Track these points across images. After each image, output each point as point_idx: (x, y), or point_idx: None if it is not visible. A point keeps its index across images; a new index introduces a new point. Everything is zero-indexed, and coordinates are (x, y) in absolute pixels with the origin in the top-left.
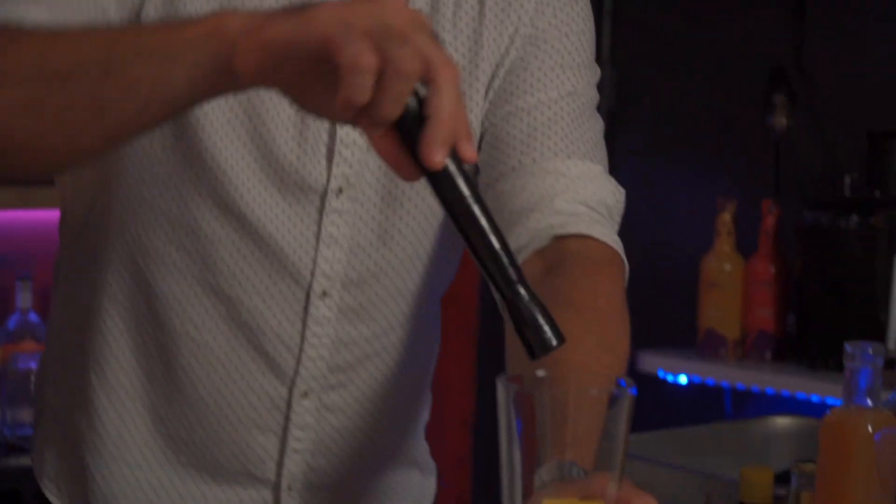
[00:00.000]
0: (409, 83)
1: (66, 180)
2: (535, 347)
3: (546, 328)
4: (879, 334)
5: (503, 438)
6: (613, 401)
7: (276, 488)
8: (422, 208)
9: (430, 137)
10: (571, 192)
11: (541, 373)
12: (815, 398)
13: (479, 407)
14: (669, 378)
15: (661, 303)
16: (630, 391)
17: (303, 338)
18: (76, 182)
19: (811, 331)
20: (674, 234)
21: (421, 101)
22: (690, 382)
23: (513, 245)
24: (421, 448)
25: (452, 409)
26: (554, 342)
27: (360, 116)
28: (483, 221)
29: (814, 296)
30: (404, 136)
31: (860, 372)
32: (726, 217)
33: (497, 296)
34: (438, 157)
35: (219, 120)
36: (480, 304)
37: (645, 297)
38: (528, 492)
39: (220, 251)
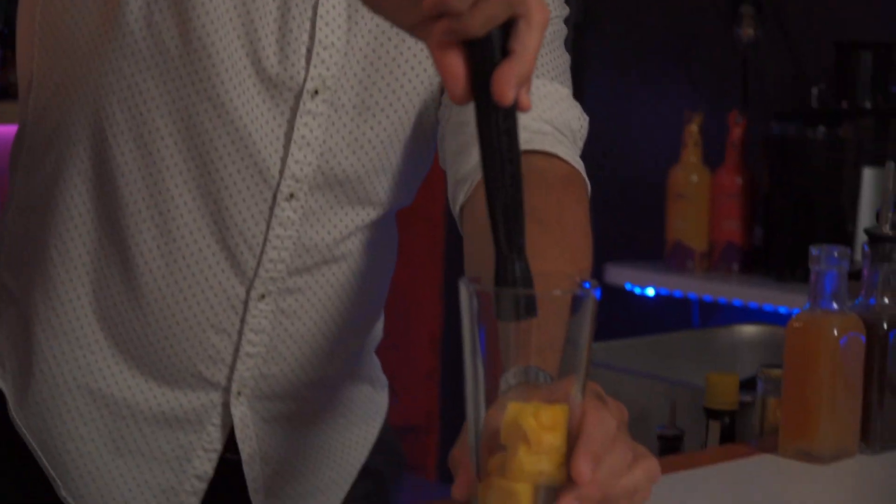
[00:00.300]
0: (508, 9)
1: (40, 53)
2: (503, 312)
3: (522, 301)
4: (846, 246)
5: (466, 341)
6: (577, 303)
7: (226, 392)
8: (393, 120)
9: (510, 71)
10: (538, 110)
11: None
12: (782, 309)
13: (447, 323)
14: (637, 290)
15: (629, 215)
16: (593, 292)
17: (266, 238)
18: (47, 56)
19: (778, 242)
20: (641, 147)
21: (505, 33)
22: (658, 294)
23: (474, 160)
24: (373, 363)
25: (420, 326)
26: (524, 315)
27: (438, 24)
28: (509, 171)
29: (781, 207)
30: (476, 60)
31: (826, 275)
32: (693, 129)
33: (494, 247)
34: (511, 93)
35: (213, 2)
36: (447, 222)
37: (612, 209)
38: (491, 396)
39: (195, 137)
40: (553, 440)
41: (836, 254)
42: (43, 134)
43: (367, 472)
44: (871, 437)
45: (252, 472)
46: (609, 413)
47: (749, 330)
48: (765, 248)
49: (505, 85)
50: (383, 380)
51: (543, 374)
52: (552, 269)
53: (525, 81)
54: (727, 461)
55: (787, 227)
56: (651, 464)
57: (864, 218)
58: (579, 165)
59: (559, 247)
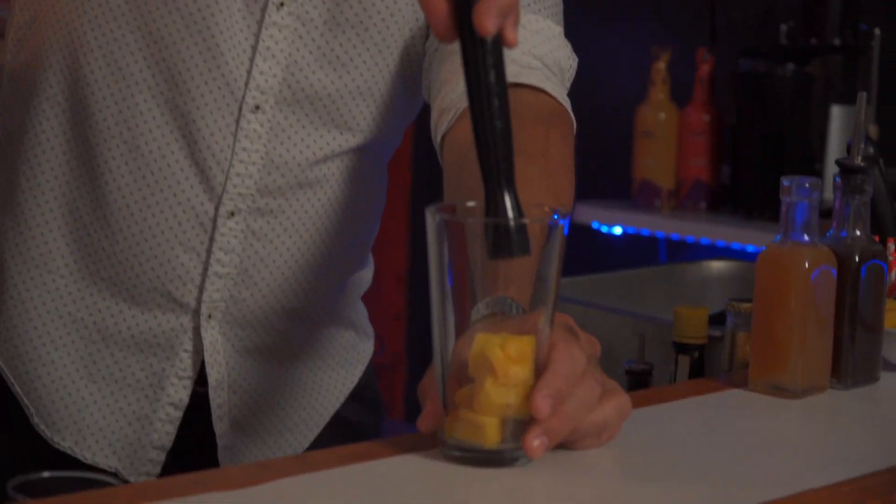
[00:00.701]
0: None
1: None
2: (494, 249)
3: (514, 237)
4: None
5: (433, 272)
6: (548, 233)
7: (196, 315)
8: (366, 42)
9: (491, 2)
10: (529, 45)
11: (472, 203)
12: (750, 248)
13: (414, 263)
14: (604, 229)
15: (595, 154)
16: (562, 223)
17: (233, 152)
18: None
19: (746, 180)
20: (607, 84)
21: None
22: (625, 233)
23: (460, 88)
24: (358, 310)
25: (387, 265)
26: (515, 252)
27: None
28: (496, 104)
29: (749, 145)
30: None
31: (797, 206)
32: (661, 66)
33: (483, 183)
34: (490, 25)
35: None
36: (414, 158)
37: (578, 148)
38: (460, 328)
39: (164, 50)
40: (520, 372)
41: (807, 185)
42: (19, 64)
43: (340, 420)
44: (842, 372)
45: (218, 398)
46: (578, 347)
47: (717, 265)
48: (733, 186)
49: (485, 15)
50: (369, 329)
51: (516, 306)
52: (535, 201)
53: (508, 13)
54: (697, 395)
55: (755, 164)
56: (622, 399)
57: (833, 156)
58: (566, 103)
59: (544, 180)
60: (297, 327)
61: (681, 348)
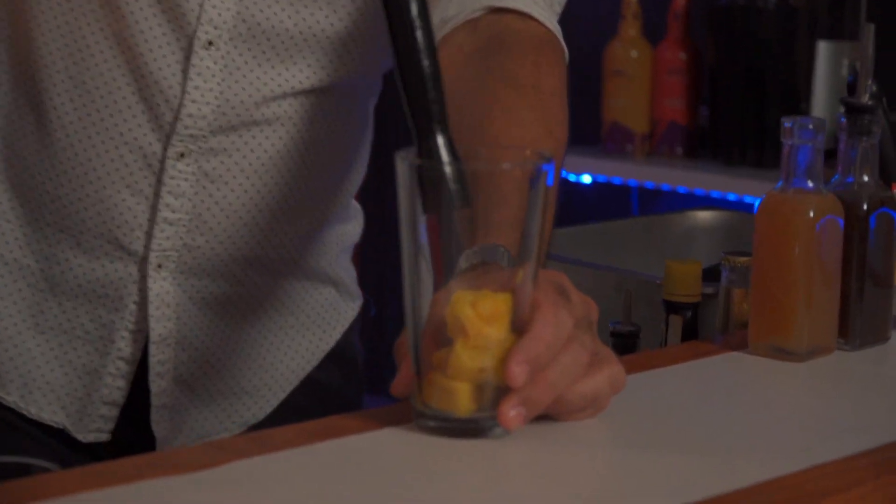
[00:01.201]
0: None
1: None
2: (429, 203)
3: (453, 187)
4: None
5: (404, 222)
6: (533, 179)
7: (144, 263)
8: None
9: None
10: None
11: None
12: (731, 196)
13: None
14: (572, 178)
15: None
16: (547, 167)
17: (184, 90)
18: None
19: (726, 122)
20: (574, 19)
21: None
22: (595, 182)
23: (439, 16)
24: (342, 266)
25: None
26: (454, 204)
27: None
28: (420, 38)
29: (728, 84)
30: None
31: (799, 150)
32: None
33: (413, 132)
34: None
35: None
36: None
37: None
38: (437, 284)
39: None
40: (494, 333)
41: (810, 126)
42: None
43: (314, 383)
44: (850, 332)
45: (160, 353)
46: (566, 309)
47: (703, 216)
48: (711, 128)
49: None
50: (355, 289)
51: (508, 256)
52: (527, 135)
53: None
54: (691, 360)
55: (735, 105)
56: (615, 370)
57: (820, 95)
58: (556, 30)
59: (535, 112)
60: (260, 278)
61: (672, 307)
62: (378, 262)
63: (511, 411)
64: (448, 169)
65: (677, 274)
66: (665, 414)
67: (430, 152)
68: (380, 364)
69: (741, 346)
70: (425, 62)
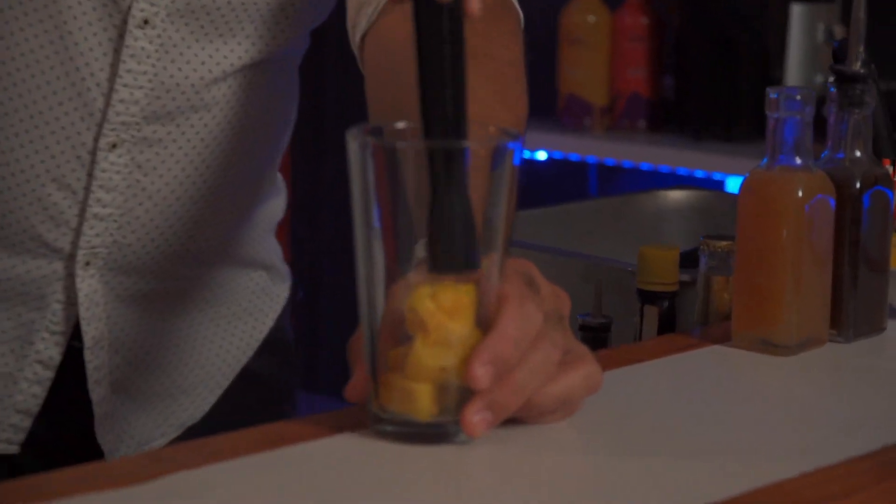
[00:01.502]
0: None
1: None
2: (436, 263)
3: (460, 248)
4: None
5: (357, 208)
6: (497, 157)
7: (71, 261)
8: None
9: None
10: None
11: (404, 124)
12: (699, 174)
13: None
14: (525, 154)
15: None
16: (511, 145)
17: (116, 74)
18: None
19: (693, 94)
20: None
21: None
22: (550, 159)
23: None
24: (269, 246)
25: None
26: (462, 267)
27: None
28: (450, 90)
29: (695, 52)
30: None
31: (786, 123)
32: None
33: (429, 182)
34: None
35: None
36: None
37: None
38: (392, 275)
39: None
40: (457, 328)
41: (798, 97)
42: None
43: (249, 375)
44: (843, 322)
45: (96, 359)
46: (534, 302)
47: (675, 196)
48: (677, 100)
49: None
50: (283, 269)
51: None
52: (484, 114)
53: None
54: (670, 354)
55: (702, 75)
56: (590, 369)
57: (794, 63)
58: None
59: (492, 85)
60: (191, 271)
61: (647, 297)
62: (306, 240)
63: (475, 416)
64: (456, 234)
65: (653, 260)
66: (643, 414)
67: (440, 214)
68: (312, 351)
69: (724, 338)
70: (449, 108)
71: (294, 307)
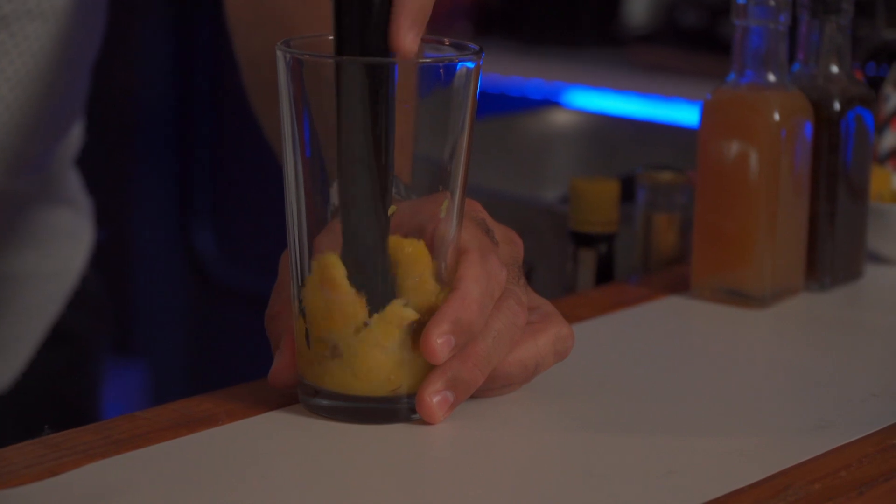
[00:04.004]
0: None
1: None
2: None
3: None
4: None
5: (286, 138)
6: (438, 73)
7: None
8: None
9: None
10: None
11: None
12: (533, 92)
13: None
14: None
15: None
16: (472, 52)
17: None
18: None
19: None
20: None
21: None
22: None
23: None
24: (70, 178)
25: None
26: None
27: None
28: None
29: None
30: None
31: (753, 32)
32: None
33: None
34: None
35: None
36: None
37: None
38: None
39: None
40: (411, 286)
41: (771, 2)
42: None
43: (62, 335)
44: (819, 267)
45: None
46: (495, 255)
47: (560, 119)
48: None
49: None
50: (85, 202)
51: (401, 186)
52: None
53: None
54: (620, 309)
55: None
56: (560, 330)
57: None
58: None
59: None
60: (1, 215)
61: (582, 239)
62: (101, 172)
63: (434, 398)
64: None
65: (589, 196)
66: (608, 381)
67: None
68: (119, 305)
69: (677, 287)
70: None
71: (98, 251)
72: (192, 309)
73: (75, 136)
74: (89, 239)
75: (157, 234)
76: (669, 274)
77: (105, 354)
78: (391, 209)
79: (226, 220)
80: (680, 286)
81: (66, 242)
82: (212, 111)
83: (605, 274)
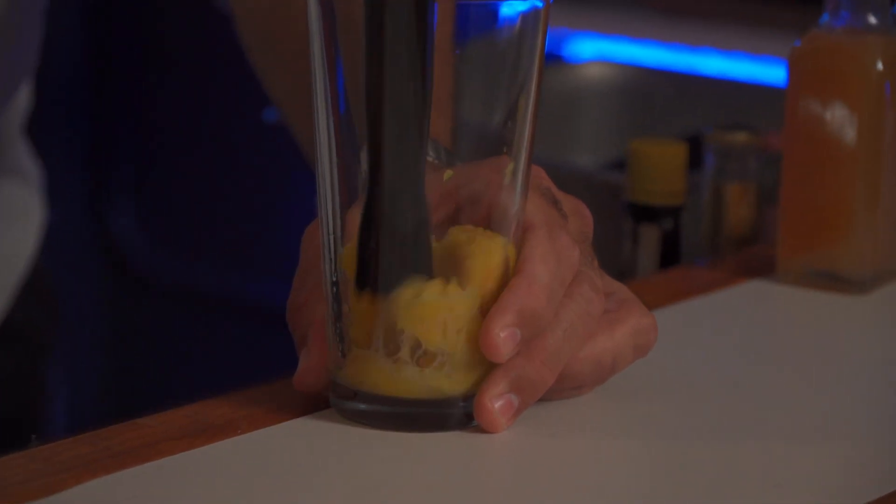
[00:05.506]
0: None
1: None
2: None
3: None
4: None
5: (318, 95)
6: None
7: None
8: None
9: None
10: None
11: None
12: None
13: None
14: None
15: None
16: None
17: None
18: None
19: None
20: None
21: None
22: None
23: None
24: (20, 147)
25: None
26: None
27: None
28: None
29: None
30: None
31: None
32: None
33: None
34: None
35: None
36: None
37: None
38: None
39: None
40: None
41: None
42: None
43: (13, 328)
44: None
45: None
46: (565, 230)
47: (596, 71)
48: None
49: None
50: (35, 174)
51: (439, 149)
52: None
53: None
54: (694, 297)
55: None
56: (641, 322)
57: None
58: None
59: None
60: None
61: (643, 214)
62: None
63: (495, 402)
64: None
65: (653, 162)
66: (690, 381)
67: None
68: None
69: (760, 270)
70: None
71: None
72: (110, 305)
73: (23, 99)
74: (40, 219)
75: (66, 217)
76: (745, 255)
77: (57, 358)
78: (447, 174)
79: (149, 200)
80: (761, 269)
81: (18, 223)
82: (134, 66)
83: (670, 255)
